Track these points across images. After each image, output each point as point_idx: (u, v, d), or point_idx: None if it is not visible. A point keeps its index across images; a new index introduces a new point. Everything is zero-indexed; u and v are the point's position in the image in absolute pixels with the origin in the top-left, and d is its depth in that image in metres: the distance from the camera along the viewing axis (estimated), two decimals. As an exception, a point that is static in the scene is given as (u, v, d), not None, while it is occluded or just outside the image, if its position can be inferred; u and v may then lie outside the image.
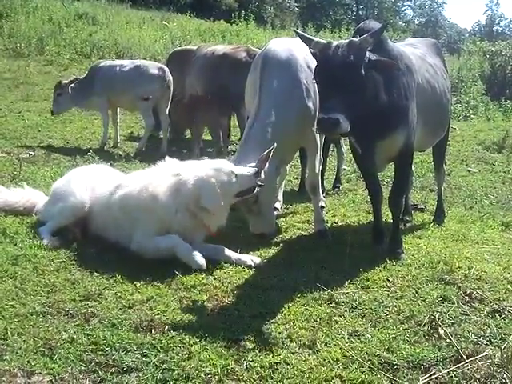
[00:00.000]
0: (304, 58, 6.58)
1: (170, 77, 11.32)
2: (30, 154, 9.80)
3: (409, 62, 6.28)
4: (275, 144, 5.94)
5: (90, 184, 6.19)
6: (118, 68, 11.58)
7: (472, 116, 18.58)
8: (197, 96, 10.99)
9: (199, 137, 11.17)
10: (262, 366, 3.95)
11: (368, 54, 5.46)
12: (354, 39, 5.52)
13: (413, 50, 6.84)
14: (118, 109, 12.04)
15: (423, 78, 6.54)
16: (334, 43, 5.53)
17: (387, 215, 6.84)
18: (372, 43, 5.46)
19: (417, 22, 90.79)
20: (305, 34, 5.83)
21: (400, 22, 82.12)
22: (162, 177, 5.78)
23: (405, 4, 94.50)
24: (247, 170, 5.71)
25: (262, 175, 5.89)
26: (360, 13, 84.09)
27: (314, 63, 6.58)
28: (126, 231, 5.69)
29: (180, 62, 12.11)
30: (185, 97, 11.36)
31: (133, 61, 12.65)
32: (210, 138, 11.49)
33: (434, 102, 6.80)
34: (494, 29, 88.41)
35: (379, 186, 6.62)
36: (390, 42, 6.28)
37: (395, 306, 4.87)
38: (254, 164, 5.84)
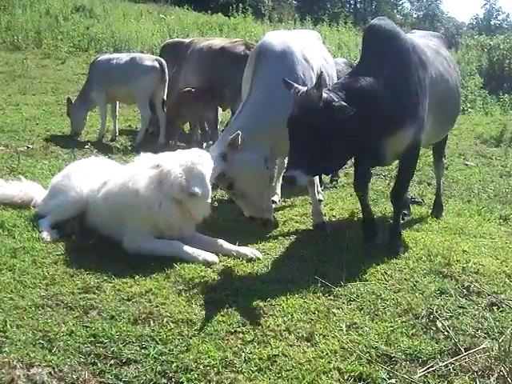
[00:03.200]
0: (301, 50, 6.57)
1: (165, 69, 11.30)
2: (27, 147, 9.77)
3: (423, 54, 6.29)
4: (239, 132, 5.96)
5: (90, 177, 6.17)
6: (114, 61, 11.59)
7: (470, 110, 18.59)
8: (181, 89, 11.01)
9: (177, 129, 11.41)
10: (260, 358, 3.97)
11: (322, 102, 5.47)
12: (308, 91, 5.55)
13: (427, 42, 6.83)
14: (118, 102, 12.03)
15: (437, 71, 6.53)
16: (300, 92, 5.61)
17: (385, 209, 6.85)
18: (320, 95, 5.44)
19: (415, 16, 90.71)
20: (289, 81, 5.80)
21: (398, 16, 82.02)
22: (141, 171, 5.76)
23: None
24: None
25: (242, 162, 5.96)
26: (358, 6, 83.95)
27: (311, 57, 6.61)
28: (116, 228, 5.70)
29: (173, 54, 12.06)
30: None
31: (129, 53, 12.69)
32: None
33: (447, 95, 6.79)
34: (492, 23, 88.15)
35: (367, 182, 6.66)
36: (403, 34, 6.26)
37: (393, 299, 4.88)
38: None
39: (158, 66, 11.27)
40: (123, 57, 11.81)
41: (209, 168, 5.65)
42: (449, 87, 6.86)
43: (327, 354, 4.08)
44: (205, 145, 9.91)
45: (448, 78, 6.83)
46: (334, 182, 9.34)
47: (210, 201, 5.81)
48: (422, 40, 6.84)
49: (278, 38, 6.80)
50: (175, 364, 3.85)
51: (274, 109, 6.17)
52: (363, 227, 6.50)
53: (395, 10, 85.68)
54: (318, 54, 7.01)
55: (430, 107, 6.21)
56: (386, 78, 5.81)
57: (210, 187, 5.62)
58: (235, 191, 6.25)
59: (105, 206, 5.79)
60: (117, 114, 12.02)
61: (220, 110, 11.32)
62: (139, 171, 5.76)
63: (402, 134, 5.95)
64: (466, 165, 11.57)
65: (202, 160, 5.66)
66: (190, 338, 4.12)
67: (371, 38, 6.15)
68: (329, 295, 4.91)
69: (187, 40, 13.10)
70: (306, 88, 5.63)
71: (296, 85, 5.74)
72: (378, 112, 5.70)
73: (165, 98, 11.30)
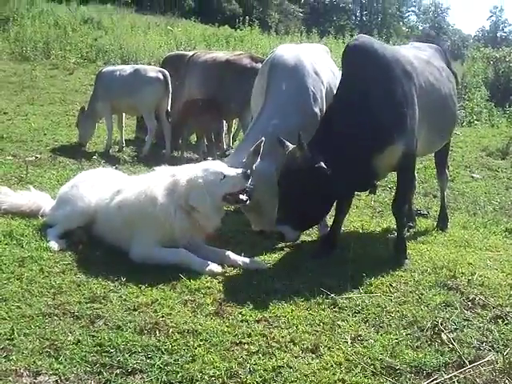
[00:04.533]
0: (312, 64, 6.65)
1: (169, 80, 11.34)
2: (36, 157, 9.82)
3: (409, 65, 6.31)
4: (263, 138, 6.01)
5: (98, 187, 6.22)
6: (118, 73, 11.63)
7: (476, 122, 18.57)
8: (188, 101, 11.06)
9: (184, 141, 11.45)
10: (265, 370, 3.98)
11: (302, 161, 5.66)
12: (292, 151, 5.74)
13: (417, 53, 6.86)
14: (124, 113, 12.07)
15: (426, 80, 6.55)
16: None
17: (391, 221, 6.86)
18: (303, 155, 5.63)
19: (421, 28, 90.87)
20: (282, 139, 5.93)
21: (404, 28, 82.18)
22: (159, 179, 5.85)
23: (409, 9, 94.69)
24: (236, 171, 5.74)
25: (254, 172, 5.96)
26: (364, 18, 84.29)
27: (321, 70, 6.69)
28: (126, 237, 5.74)
29: (175, 66, 12.10)
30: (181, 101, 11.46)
31: (133, 65, 12.74)
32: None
33: (439, 105, 6.81)
34: (498, 35, 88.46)
35: (351, 199, 6.72)
36: (384, 49, 6.31)
37: (398, 311, 4.89)
38: (244, 161, 6.00)
39: (161, 77, 11.28)
40: (127, 68, 11.86)
41: (210, 181, 5.65)
42: (441, 97, 6.87)
43: (332, 365, 4.09)
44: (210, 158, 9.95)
45: (440, 88, 6.84)
46: None
47: (217, 212, 5.81)
48: (412, 51, 6.88)
49: (290, 51, 6.93)
50: (180, 374, 3.86)
51: (287, 121, 6.24)
52: (323, 241, 6.55)
53: (401, 23, 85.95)
54: (326, 67, 7.09)
55: (421, 117, 6.23)
56: (367, 97, 5.90)
57: (207, 200, 5.61)
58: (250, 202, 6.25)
59: (117, 215, 5.84)
60: (123, 125, 12.02)
61: (224, 122, 11.37)
62: (156, 180, 5.82)
63: (390, 150, 6.00)
64: (472, 177, 11.57)
65: (204, 173, 5.68)
66: (196, 349, 4.13)
67: (349, 58, 6.23)
68: (334, 307, 4.93)
69: (189, 53, 13.18)
70: (292, 146, 5.77)
71: (287, 143, 5.87)
72: (365, 139, 5.80)
73: (169, 109, 11.31)
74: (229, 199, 5.76)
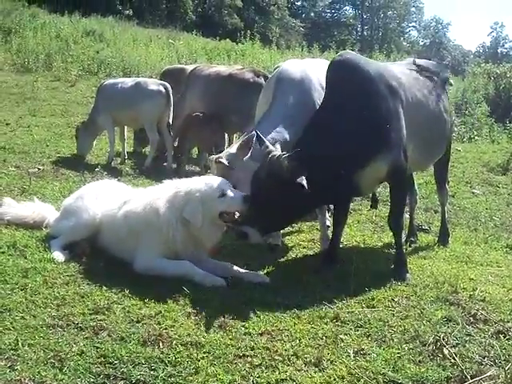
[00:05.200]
0: (317, 78, 6.69)
1: (171, 93, 11.38)
2: (38, 169, 9.83)
3: (394, 81, 6.32)
4: (254, 133, 6.10)
5: (102, 199, 6.25)
6: (119, 85, 11.67)
7: (476, 138, 18.61)
8: (189, 115, 11.11)
9: (187, 152, 11.48)
10: (268, 383, 4.00)
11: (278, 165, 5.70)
12: (279, 159, 5.74)
13: (404, 70, 6.85)
14: (125, 126, 12.10)
15: (413, 96, 6.54)
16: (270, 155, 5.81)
17: (391, 236, 6.88)
18: (289, 168, 5.64)
19: (421, 43, 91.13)
20: (261, 136, 5.98)
21: (405, 43, 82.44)
22: (163, 192, 5.88)
23: (409, 25, 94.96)
24: (237, 192, 5.77)
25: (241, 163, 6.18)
26: (365, 33, 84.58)
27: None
28: (131, 248, 5.77)
29: (173, 79, 12.14)
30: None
31: (134, 78, 12.78)
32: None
33: (428, 121, 6.79)
34: (499, 51, 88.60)
35: (347, 210, 6.75)
36: (367, 65, 6.34)
37: (400, 326, 4.90)
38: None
39: (163, 90, 11.31)
40: (128, 81, 11.89)
41: (208, 196, 5.66)
42: (429, 113, 6.85)
43: (335, 379, 4.10)
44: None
45: (428, 104, 6.82)
46: None
47: (213, 228, 5.78)
48: (400, 68, 6.90)
49: (296, 65, 7.02)
50: (184, 386, 3.88)
51: (292, 133, 6.26)
52: (326, 254, 6.57)
53: (402, 38, 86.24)
54: None
55: (408, 133, 6.23)
56: (349, 113, 5.95)
57: (200, 214, 5.60)
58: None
59: (123, 225, 5.87)
60: (125, 137, 12.02)
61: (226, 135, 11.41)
62: (160, 192, 5.86)
63: (373, 166, 6.03)
64: (473, 193, 11.58)
65: (203, 187, 5.70)
66: (199, 361, 4.15)
67: (332, 73, 6.28)
68: (336, 321, 4.94)
69: (188, 66, 13.25)
70: (276, 153, 5.79)
71: (267, 142, 5.92)
72: (345, 156, 5.83)
73: (170, 121, 11.34)
74: (225, 217, 5.75)
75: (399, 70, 6.68)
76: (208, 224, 5.68)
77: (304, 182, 5.53)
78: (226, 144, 11.40)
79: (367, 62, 6.49)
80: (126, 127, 12.09)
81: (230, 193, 5.71)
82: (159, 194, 5.84)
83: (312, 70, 6.77)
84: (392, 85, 6.26)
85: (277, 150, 5.82)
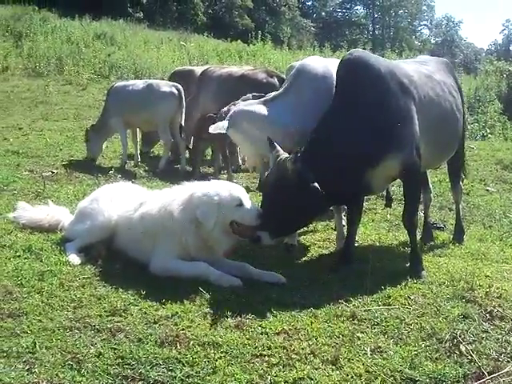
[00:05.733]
0: None
1: (183, 95, 11.40)
2: (52, 172, 9.90)
3: (406, 79, 6.29)
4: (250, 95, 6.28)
5: (117, 201, 6.27)
6: (130, 87, 11.70)
7: (489, 135, 18.56)
8: (202, 116, 11.11)
9: (201, 154, 11.55)
10: (285, 381, 4.00)
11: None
12: (285, 162, 5.80)
13: (417, 67, 6.83)
14: (138, 128, 12.12)
15: (426, 95, 6.51)
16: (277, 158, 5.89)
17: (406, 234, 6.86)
18: (295, 170, 5.68)
19: (433, 42, 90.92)
20: (272, 141, 6.04)
21: (416, 42, 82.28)
22: (178, 194, 5.89)
23: (421, 23, 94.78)
24: (253, 205, 5.78)
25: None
26: (376, 32, 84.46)
27: None
28: (147, 249, 5.78)
29: (182, 81, 12.15)
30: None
31: (145, 80, 12.79)
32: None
33: (440, 119, 6.75)
34: (511, 48, 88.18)
35: (361, 209, 6.73)
36: (378, 63, 6.30)
37: (417, 324, 4.89)
38: None
39: (175, 91, 11.33)
40: (140, 83, 11.90)
41: (226, 203, 5.64)
42: (442, 111, 6.80)
43: (352, 377, 4.10)
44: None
45: (440, 102, 6.77)
46: None
47: (224, 235, 5.73)
48: (412, 65, 6.86)
49: (318, 61, 7.08)
50: (202, 386, 3.89)
51: (298, 121, 6.39)
52: (343, 252, 6.56)
53: (414, 36, 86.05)
54: None
55: (420, 130, 6.21)
56: (359, 111, 5.95)
57: (214, 218, 5.58)
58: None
59: (139, 227, 5.89)
60: (138, 139, 12.07)
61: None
62: (175, 194, 5.87)
63: (387, 163, 6.03)
64: (487, 190, 11.51)
65: (223, 193, 5.68)
66: (216, 361, 4.15)
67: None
68: (353, 319, 4.93)
69: (197, 68, 13.28)
70: (283, 156, 5.84)
71: (278, 147, 5.96)
72: (356, 155, 5.84)
73: (182, 123, 11.37)
74: (234, 227, 5.73)
75: (412, 68, 6.65)
76: (219, 229, 5.65)
77: (317, 185, 5.56)
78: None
79: (378, 59, 6.46)
80: (138, 129, 12.10)
81: (246, 204, 5.72)
82: (174, 196, 5.85)
83: (333, 67, 6.74)
84: (403, 82, 6.23)
85: (285, 154, 5.84)
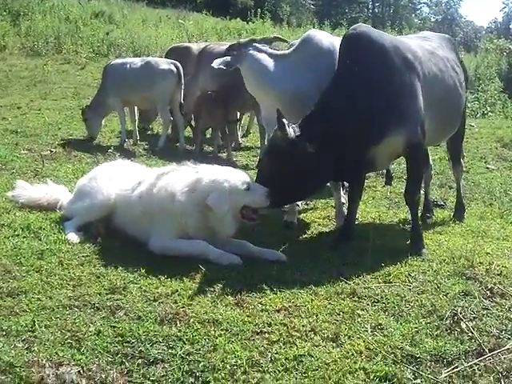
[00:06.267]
0: None
1: (182, 72, 11.32)
2: (51, 151, 9.86)
3: (410, 55, 6.23)
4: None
5: (116, 180, 6.24)
6: (128, 66, 11.55)
7: (490, 113, 18.51)
8: (201, 94, 11.06)
9: (201, 134, 11.48)
10: (286, 358, 3.99)
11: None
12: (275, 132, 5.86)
13: (421, 43, 6.77)
14: (136, 107, 12.04)
15: (430, 71, 6.45)
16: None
17: (408, 212, 6.85)
18: (285, 136, 5.70)
19: (433, 20, 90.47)
20: (282, 119, 5.81)
21: (416, 20, 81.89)
22: (181, 176, 5.84)
23: (421, 1, 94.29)
24: (261, 187, 5.74)
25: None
26: (376, 10, 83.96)
27: None
28: (146, 228, 5.76)
29: (178, 58, 12.05)
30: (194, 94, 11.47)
31: (143, 58, 12.70)
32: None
33: (443, 95, 6.70)
34: (511, 26, 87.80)
35: (361, 187, 6.69)
36: (382, 38, 6.24)
37: (417, 301, 4.88)
38: None
39: (174, 69, 11.24)
40: (137, 61, 11.79)
41: (235, 188, 5.62)
42: (445, 87, 6.74)
43: (353, 354, 4.10)
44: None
45: (444, 78, 6.71)
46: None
47: (232, 221, 5.72)
48: (415, 41, 6.79)
49: (324, 34, 7.03)
50: (202, 363, 3.88)
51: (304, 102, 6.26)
52: (341, 230, 6.54)
53: (413, 14, 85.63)
54: None
55: (424, 106, 6.17)
56: (362, 87, 5.88)
57: (226, 204, 5.55)
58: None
59: (138, 205, 5.86)
60: (136, 118, 11.96)
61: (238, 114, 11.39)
62: (179, 176, 5.83)
63: (390, 140, 5.97)
64: (487, 168, 11.47)
65: (231, 178, 5.65)
66: (217, 338, 4.15)
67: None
68: (353, 296, 4.92)
69: (193, 45, 13.18)
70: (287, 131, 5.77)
71: (284, 120, 5.78)
72: (359, 131, 5.80)
73: (182, 101, 11.30)
74: (243, 213, 5.72)
75: (415, 44, 6.59)
76: (229, 216, 5.63)
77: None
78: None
79: (382, 34, 6.40)
80: (136, 107, 12.02)
81: (255, 187, 5.71)
82: (176, 178, 5.81)
83: (337, 43, 6.67)
84: (408, 57, 6.17)
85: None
